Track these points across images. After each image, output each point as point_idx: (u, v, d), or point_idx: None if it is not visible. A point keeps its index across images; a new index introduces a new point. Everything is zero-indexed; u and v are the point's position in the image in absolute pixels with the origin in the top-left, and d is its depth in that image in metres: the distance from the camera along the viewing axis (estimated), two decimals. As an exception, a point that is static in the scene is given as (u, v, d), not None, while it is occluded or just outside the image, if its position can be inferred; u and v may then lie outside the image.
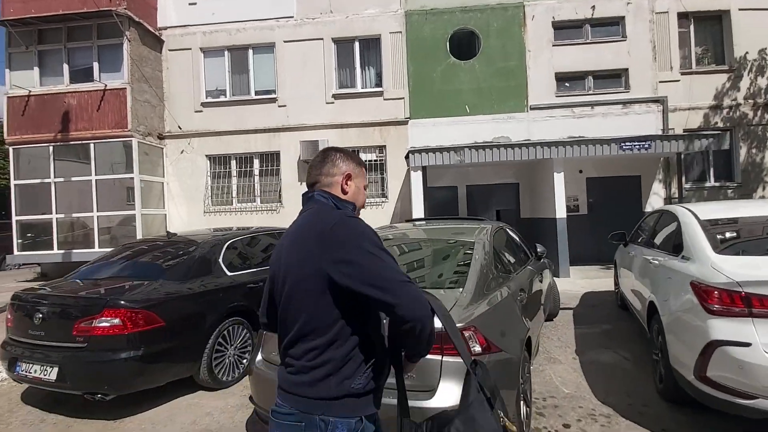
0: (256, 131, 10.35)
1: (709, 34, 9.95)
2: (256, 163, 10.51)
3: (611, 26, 9.89)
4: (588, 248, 9.43)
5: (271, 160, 10.39)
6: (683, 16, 9.83)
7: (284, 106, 10.29)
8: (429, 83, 9.98)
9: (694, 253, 2.89)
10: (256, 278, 4.10)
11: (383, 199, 10.10)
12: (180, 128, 10.55)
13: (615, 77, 9.88)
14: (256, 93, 10.53)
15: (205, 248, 3.99)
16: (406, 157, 8.30)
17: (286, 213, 10.12)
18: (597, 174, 9.75)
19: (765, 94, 9.57)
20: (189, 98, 10.56)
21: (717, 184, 9.69)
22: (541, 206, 9.15)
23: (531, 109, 9.82)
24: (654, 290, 3.45)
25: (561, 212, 8.17)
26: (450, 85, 9.95)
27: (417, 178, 8.26)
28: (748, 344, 2.32)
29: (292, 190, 10.12)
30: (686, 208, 3.49)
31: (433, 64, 9.97)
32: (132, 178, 9.55)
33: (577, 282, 7.75)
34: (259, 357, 2.60)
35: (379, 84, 10.25)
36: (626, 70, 9.74)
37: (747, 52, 9.56)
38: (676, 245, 3.32)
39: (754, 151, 9.57)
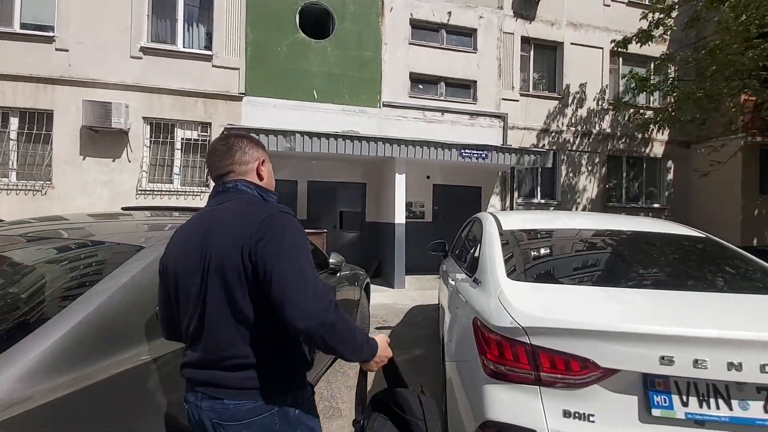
0: (17, 78, 7.36)
1: (546, 61, 10.74)
2: (14, 123, 7.48)
3: (465, 36, 9.88)
4: (430, 256, 9.04)
5: (39, 121, 7.50)
6: (526, 41, 10.40)
7: (65, 50, 7.54)
8: (272, 57, 8.48)
9: (486, 274, 2.03)
10: None
11: (206, 189, 8.17)
12: None
13: (465, 87, 9.88)
14: (23, 26, 7.53)
15: None
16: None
17: (57, 197, 7.39)
18: (443, 181, 9.54)
19: (584, 124, 10.68)
20: None
21: (543, 201, 10.42)
22: (386, 210, 8.45)
23: (384, 105, 9.13)
24: (444, 323, 2.59)
25: (400, 218, 7.53)
26: (297, 64, 8.62)
27: (234, 163, 6.63)
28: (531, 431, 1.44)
29: (70, 167, 7.45)
30: (492, 215, 2.75)
31: (279, 37, 8.51)
32: None
33: (410, 294, 7.14)
34: None
35: (208, 46, 8.33)
36: (475, 82, 9.82)
37: (570, 84, 10.55)
38: (473, 261, 2.49)
39: (571, 174, 10.58)
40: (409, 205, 8.95)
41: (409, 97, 9.36)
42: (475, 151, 7.61)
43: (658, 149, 11.29)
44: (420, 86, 9.59)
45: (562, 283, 1.95)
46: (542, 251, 2.29)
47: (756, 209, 10.47)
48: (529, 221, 2.74)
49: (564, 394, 1.46)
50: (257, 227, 1.05)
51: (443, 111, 9.53)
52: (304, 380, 1.18)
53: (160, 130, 8.08)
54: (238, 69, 8.33)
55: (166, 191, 8.03)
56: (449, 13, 9.58)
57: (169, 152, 8.16)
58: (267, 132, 6.52)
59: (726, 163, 9.24)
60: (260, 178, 1.26)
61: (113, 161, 7.73)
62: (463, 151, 7.57)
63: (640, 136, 10.91)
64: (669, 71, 10.37)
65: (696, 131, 11.10)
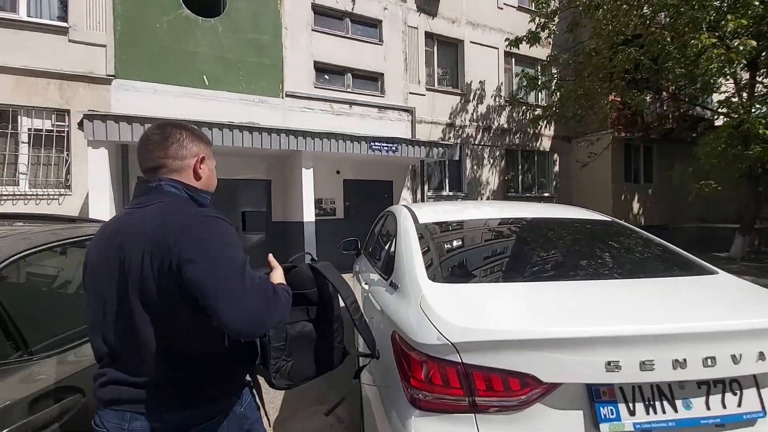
0: None
1: (449, 58, 11.05)
2: None
3: (370, 27, 9.66)
4: (344, 255, 8.68)
5: None
6: (429, 36, 10.55)
7: None
8: (149, 35, 7.25)
9: (404, 277, 1.70)
10: None
11: (63, 191, 6.68)
12: None
13: (372, 80, 9.67)
14: None
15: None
16: (80, 124, 5.40)
17: None
18: (354, 176, 9.22)
19: (484, 119, 11.25)
20: None
21: (451, 193, 10.74)
22: (294, 208, 7.84)
23: (287, 95, 8.47)
24: (358, 335, 2.23)
25: (309, 215, 7.01)
26: (182, 44, 7.51)
27: (99, 159, 5.41)
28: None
29: None
30: (406, 207, 2.45)
31: (157, 11, 7.31)
32: None
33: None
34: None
35: (63, 17, 6.81)
36: (382, 75, 9.67)
37: (471, 81, 11.02)
38: (388, 260, 2.17)
39: (476, 167, 11.08)
40: (318, 202, 8.45)
41: (315, 87, 8.83)
42: (385, 144, 7.41)
43: (546, 143, 12.42)
44: (326, 77, 9.11)
45: (487, 281, 1.71)
46: (462, 245, 2.05)
47: (622, 195, 12.13)
48: (448, 212, 2.51)
49: (503, 419, 1.20)
50: (176, 237, 0.95)
51: (351, 103, 9.20)
52: (242, 381, 1.16)
53: (-4, 118, 6.39)
54: (105, 46, 6.95)
55: (10, 195, 6.39)
56: (353, 1, 9.25)
57: (11, 146, 6.50)
58: (142, 120, 5.46)
59: (600, 155, 10.50)
60: (197, 177, 1.14)
61: None
62: (373, 144, 7.32)
63: (531, 131, 11.88)
64: (553, 72, 11.43)
65: (575, 127, 12.47)
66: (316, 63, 8.84)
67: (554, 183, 12.67)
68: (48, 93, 6.61)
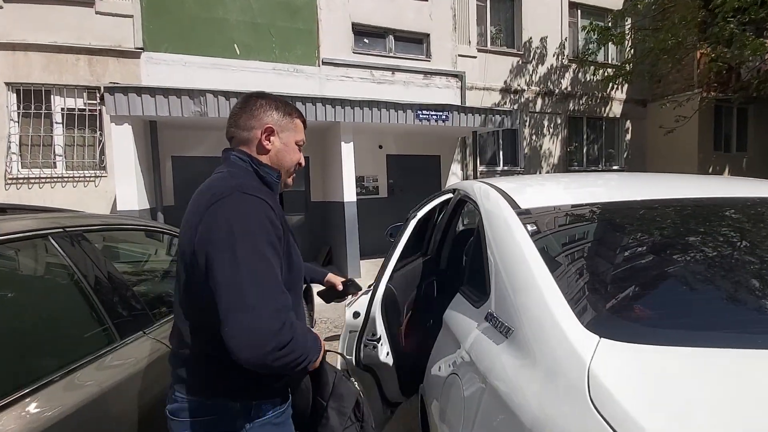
0: None
1: (504, 12, 9.71)
2: None
3: (414, -19, 8.56)
4: (386, 238, 8.02)
5: None
6: (481, -11, 9.28)
7: None
8: (177, 2, 6.72)
9: (523, 315, 0.91)
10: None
11: (99, 172, 6.44)
12: None
13: (417, 42, 8.65)
14: None
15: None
16: (101, 98, 4.96)
17: None
18: (397, 151, 8.39)
19: (544, 83, 9.89)
20: None
21: (506, 167, 9.64)
22: (333, 187, 7.20)
23: (323, 63, 7.71)
24: (430, 386, 1.49)
25: (350, 195, 6.33)
26: (210, 11, 6.92)
27: (123, 136, 4.96)
28: None
29: None
30: (491, 186, 1.59)
31: (183, -25, 6.73)
32: None
33: (368, 284, 6.05)
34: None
35: (88, -14, 6.40)
36: (428, 35, 8.62)
37: (530, 39, 9.64)
38: (475, 275, 1.38)
39: (534, 137, 9.84)
40: (360, 180, 7.75)
41: (353, 53, 7.99)
42: (434, 113, 6.49)
43: (616, 108, 10.82)
44: (365, 40, 8.22)
45: (697, 340, 0.86)
46: (619, 254, 1.18)
47: (711, 166, 10.39)
48: (560, 189, 1.65)
49: None
50: (205, 211, 0.91)
51: (393, 70, 8.28)
52: (272, 389, 0.97)
53: (32, 98, 6.18)
54: (132, 16, 6.51)
55: (47, 178, 6.24)
56: (394, -49, 8.18)
57: (46, 127, 6.30)
58: (165, 92, 4.92)
59: (691, 117, 8.90)
60: (262, 150, 1.06)
61: (-38, 141, 5.81)
62: (420, 112, 6.42)
63: (600, 94, 10.36)
64: (627, 24, 9.74)
65: (652, 89, 10.75)
66: (354, 25, 7.97)
67: (625, 154, 11.10)
68: (78, 70, 6.30)
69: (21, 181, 6.14)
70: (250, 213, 0.88)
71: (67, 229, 1.37)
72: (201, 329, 0.94)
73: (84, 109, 6.40)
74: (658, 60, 8.40)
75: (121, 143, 4.87)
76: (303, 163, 1.17)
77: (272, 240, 0.88)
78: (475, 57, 9.13)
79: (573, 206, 1.34)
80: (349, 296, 1.66)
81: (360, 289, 1.64)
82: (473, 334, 1.13)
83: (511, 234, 1.14)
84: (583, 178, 2.25)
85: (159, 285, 2.05)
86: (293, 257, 1.02)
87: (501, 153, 9.64)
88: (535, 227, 1.15)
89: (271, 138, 1.06)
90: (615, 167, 10.96)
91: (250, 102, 1.07)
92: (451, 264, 2.25)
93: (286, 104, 1.12)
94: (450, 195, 2.31)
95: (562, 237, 1.24)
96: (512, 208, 1.28)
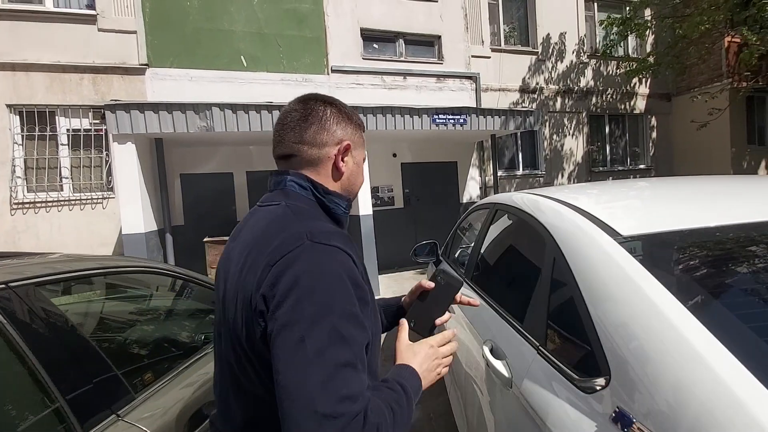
0: None
1: (517, 10, 9.34)
2: None
3: (423, -18, 8.27)
4: (405, 249, 7.62)
5: None
6: (492, -13, 8.93)
7: None
8: (180, 15, 6.53)
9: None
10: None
11: (106, 193, 6.24)
12: None
13: (428, 45, 8.33)
14: None
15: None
16: (102, 116, 4.73)
17: None
18: (412, 159, 8.04)
19: (563, 80, 9.46)
20: None
21: (526, 171, 9.19)
22: (347, 199, 6.86)
23: (333, 71, 7.43)
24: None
25: (366, 207, 5.98)
26: (215, 23, 6.72)
27: (127, 156, 4.69)
28: None
29: None
30: (571, 207, 1.20)
31: (186, -13, 6.55)
32: None
33: (385, 297, 5.67)
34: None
35: (90, 5, 6.26)
36: (439, 37, 8.29)
37: (547, 35, 9.24)
38: (574, 348, 1.00)
39: (555, 138, 9.38)
40: (374, 190, 7.42)
41: (363, 59, 7.70)
42: (450, 116, 6.13)
43: (640, 104, 10.29)
44: (375, 45, 7.94)
45: None
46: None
47: (745, 161, 9.77)
48: (661, 204, 1.26)
49: None
50: (265, 272, 0.66)
51: (405, 74, 7.97)
52: None
53: (35, 119, 6.03)
54: (135, 32, 6.33)
55: (54, 202, 6.05)
56: (402, -47, 7.91)
57: (51, 149, 6.13)
58: (169, 107, 4.67)
59: (725, 110, 8.36)
60: (337, 174, 0.83)
61: (-34, 167, 5.66)
62: (436, 116, 6.07)
63: (623, 89, 9.87)
64: (647, 14, 9.26)
65: (676, 82, 10.22)
66: (362, 30, 7.69)
67: (651, 152, 10.53)
68: (82, 89, 6.13)
69: (27, 205, 5.96)
70: (327, 274, 0.65)
71: (11, 285, 1.04)
72: (256, 424, 0.74)
73: (90, 129, 6.22)
74: (689, 47, 7.91)
75: (124, 163, 4.62)
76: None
77: (355, 312, 0.65)
78: (489, 57, 8.76)
79: (690, 234, 0.95)
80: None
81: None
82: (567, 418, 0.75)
83: (629, 281, 0.77)
84: (652, 184, 1.82)
85: (148, 341, 1.69)
86: (377, 326, 0.78)
87: (520, 156, 9.21)
88: (648, 263, 0.76)
89: (346, 158, 0.83)
90: (641, 166, 10.41)
91: (315, 109, 0.81)
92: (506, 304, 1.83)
93: (353, 112, 0.88)
94: (486, 210, 1.93)
95: (696, 277, 0.85)
96: (610, 236, 0.91)
